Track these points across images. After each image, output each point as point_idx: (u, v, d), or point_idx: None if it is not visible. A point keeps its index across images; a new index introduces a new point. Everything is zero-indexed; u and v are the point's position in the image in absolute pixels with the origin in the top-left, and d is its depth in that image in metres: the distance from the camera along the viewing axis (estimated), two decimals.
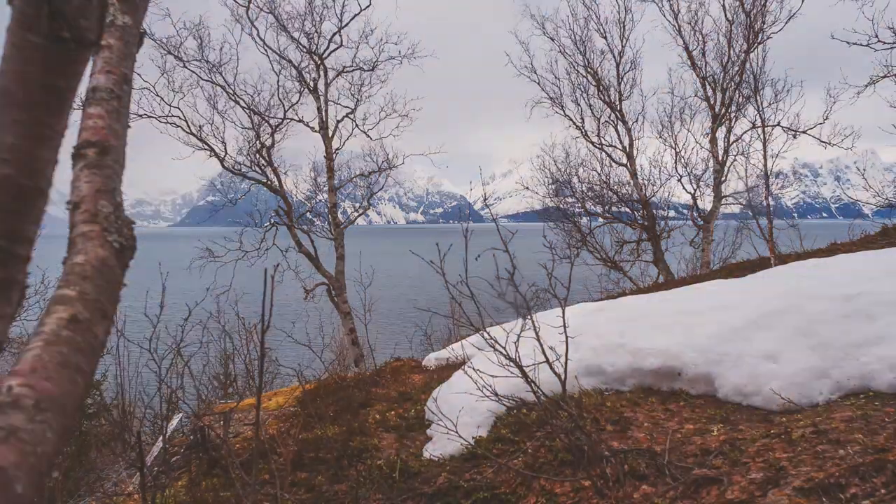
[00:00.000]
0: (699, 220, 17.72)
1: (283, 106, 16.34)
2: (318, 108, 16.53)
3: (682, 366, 5.27)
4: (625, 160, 18.63)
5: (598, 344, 6.00)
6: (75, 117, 0.67)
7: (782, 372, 4.62)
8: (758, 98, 15.67)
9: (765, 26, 16.53)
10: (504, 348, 4.16)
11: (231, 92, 15.74)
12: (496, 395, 4.64)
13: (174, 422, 8.21)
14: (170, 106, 15.32)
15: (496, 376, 4.55)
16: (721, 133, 17.57)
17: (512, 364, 4.12)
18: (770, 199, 12.40)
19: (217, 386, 12.93)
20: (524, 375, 4.01)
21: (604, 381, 5.70)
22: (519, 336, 4.15)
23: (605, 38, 18.42)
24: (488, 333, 4.41)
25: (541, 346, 3.99)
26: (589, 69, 18.55)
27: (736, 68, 17.08)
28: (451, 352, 9.06)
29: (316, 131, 16.67)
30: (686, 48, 17.70)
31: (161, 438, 6.91)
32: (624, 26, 18.29)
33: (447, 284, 4.25)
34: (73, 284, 0.61)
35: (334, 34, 16.22)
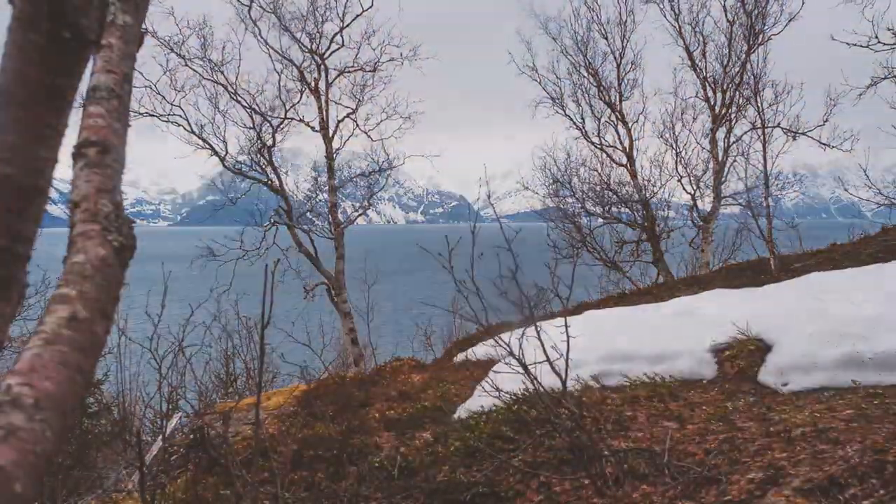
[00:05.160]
0: (699, 220, 17.70)
1: (285, 106, 16.32)
2: (319, 108, 16.52)
3: (684, 364, 5.27)
4: (625, 161, 18.61)
5: (600, 344, 6.00)
6: (75, 116, 0.67)
7: (782, 360, 4.63)
8: (758, 99, 15.65)
9: (765, 27, 16.52)
10: (508, 346, 4.18)
11: (232, 91, 15.73)
12: (498, 390, 4.66)
13: (174, 421, 8.21)
14: (171, 105, 15.31)
15: (499, 372, 4.56)
16: (721, 134, 17.55)
17: (516, 362, 4.14)
18: (770, 199, 12.37)
19: (218, 384, 12.94)
20: (526, 372, 4.03)
21: (603, 379, 5.69)
22: (523, 335, 4.17)
23: (607, 38, 18.39)
24: (490, 329, 4.43)
25: (541, 344, 4.00)
26: (590, 70, 18.52)
27: (736, 69, 17.06)
28: (466, 356, 9.02)
29: (317, 131, 16.65)
30: (687, 49, 17.67)
31: (161, 437, 6.91)
32: (625, 27, 18.26)
33: (455, 281, 4.26)
34: (73, 283, 0.61)
35: (336, 34, 16.19)
